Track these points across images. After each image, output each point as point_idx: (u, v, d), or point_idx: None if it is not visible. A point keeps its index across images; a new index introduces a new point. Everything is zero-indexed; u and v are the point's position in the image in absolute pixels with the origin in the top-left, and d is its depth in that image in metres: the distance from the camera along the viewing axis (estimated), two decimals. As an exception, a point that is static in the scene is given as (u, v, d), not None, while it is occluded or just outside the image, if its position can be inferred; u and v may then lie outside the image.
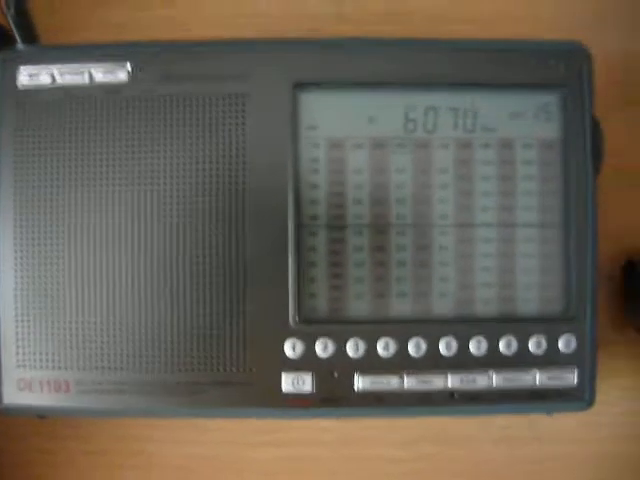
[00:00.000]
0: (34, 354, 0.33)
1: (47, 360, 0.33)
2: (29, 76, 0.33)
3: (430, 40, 0.34)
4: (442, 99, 0.33)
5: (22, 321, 0.33)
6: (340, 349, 0.32)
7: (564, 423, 0.38)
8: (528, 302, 0.33)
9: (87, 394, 0.33)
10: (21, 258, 0.33)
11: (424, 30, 0.38)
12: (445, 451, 0.39)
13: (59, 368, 0.33)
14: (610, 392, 0.38)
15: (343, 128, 0.33)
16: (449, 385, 0.33)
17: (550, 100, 0.33)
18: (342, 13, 0.41)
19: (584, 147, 0.33)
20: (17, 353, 0.33)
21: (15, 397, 0.33)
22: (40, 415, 0.34)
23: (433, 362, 0.33)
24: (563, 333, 0.33)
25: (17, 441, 0.39)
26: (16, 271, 0.33)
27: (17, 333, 0.33)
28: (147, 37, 0.38)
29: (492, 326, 0.33)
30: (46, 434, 0.39)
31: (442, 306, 0.33)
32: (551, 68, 0.33)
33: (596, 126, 0.33)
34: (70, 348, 0.33)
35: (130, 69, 0.33)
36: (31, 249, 0.33)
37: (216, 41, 0.34)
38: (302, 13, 0.41)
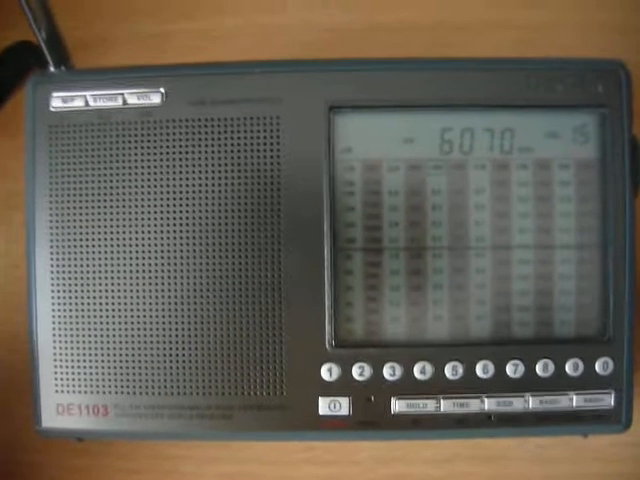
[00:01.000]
0: (72, 379, 0.33)
1: (85, 385, 0.33)
2: (62, 101, 0.33)
3: (465, 60, 0.33)
4: (478, 120, 0.33)
5: (60, 347, 0.33)
6: (377, 373, 0.32)
7: (600, 442, 0.38)
8: (565, 324, 0.33)
9: (124, 418, 0.33)
10: (58, 284, 0.33)
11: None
12: (479, 469, 0.39)
13: (97, 393, 0.33)
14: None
15: (378, 150, 0.33)
16: (485, 408, 0.33)
17: (588, 120, 0.33)
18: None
19: (622, 167, 0.33)
20: (55, 378, 0.33)
21: (53, 421, 0.33)
22: (78, 438, 0.34)
23: (470, 385, 0.33)
24: (600, 356, 0.33)
25: (53, 457, 0.39)
26: (53, 297, 0.33)
27: (55, 359, 0.33)
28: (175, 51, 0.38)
29: (529, 349, 0.33)
30: (81, 451, 0.39)
31: (479, 329, 0.33)
32: (589, 87, 0.33)
33: (635, 146, 0.33)
34: (107, 373, 0.33)
35: (164, 93, 0.33)
36: (68, 274, 0.33)
37: (249, 63, 0.33)
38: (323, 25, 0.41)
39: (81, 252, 0.33)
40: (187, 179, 0.33)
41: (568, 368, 0.33)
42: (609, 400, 0.33)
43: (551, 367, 0.33)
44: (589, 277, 0.33)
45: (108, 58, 0.39)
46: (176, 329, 0.33)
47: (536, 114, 0.33)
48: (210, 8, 0.41)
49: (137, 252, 0.33)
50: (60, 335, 0.33)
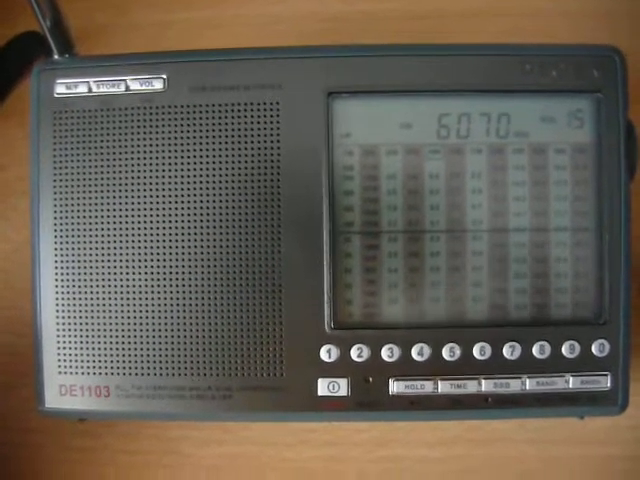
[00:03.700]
0: (75, 361, 0.33)
1: (87, 366, 0.33)
2: (66, 88, 0.33)
3: (462, 45, 0.34)
4: (475, 105, 0.33)
5: (63, 329, 0.33)
6: (375, 354, 0.33)
7: (598, 425, 0.38)
8: (561, 307, 0.33)
9: (126, 399, 0.33)
10: (62, 267, 0.33)
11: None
12: (478, 452, 0.39)
13: (99, 374, 0.33)
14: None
15: (376, 135, 0.33)
16: (483, 389, 0.33)
17: (583, 105, 0.33)
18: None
19: (617, 152, 0.33)
20: (58, 360, 0.33)
21: (57, 401, 0.34)
22: (81, 418, 0.35)
23: (467, 367, 0.33)
24: (596, 337, 0.33)
25: (56, 438, 0.40)
26: (57, 280, 0.33)
27: (58, 340, 0.33)
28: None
29: (525, 331, 0.33)
30: (83, 432, 0.40)
31: (476, 311, 0.33)
32: (585, 73, 0.33)
33: (630, 130, 0.33)
34: (109, 355, 0.33)
35: (166, 79, 0.33)
36: (71, 256, 0.33)
37: (249, 49, 0.34)
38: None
39: (84, 236, 0.33)
40: (189, 164, 0.33)
41: (564, 350, 0.33)
42: (605, 382, 0.33)
43: (547, 349, 0.33)
44: (585, 260, 0.33)
45: (109, 48, 0.40)
46: (177, 311, 0.33)
47: (532, 99, 0.33)
48: (210, -2, 0.41)
49: (138, 236, 0.33)
50: (63, 317, 0.33)
